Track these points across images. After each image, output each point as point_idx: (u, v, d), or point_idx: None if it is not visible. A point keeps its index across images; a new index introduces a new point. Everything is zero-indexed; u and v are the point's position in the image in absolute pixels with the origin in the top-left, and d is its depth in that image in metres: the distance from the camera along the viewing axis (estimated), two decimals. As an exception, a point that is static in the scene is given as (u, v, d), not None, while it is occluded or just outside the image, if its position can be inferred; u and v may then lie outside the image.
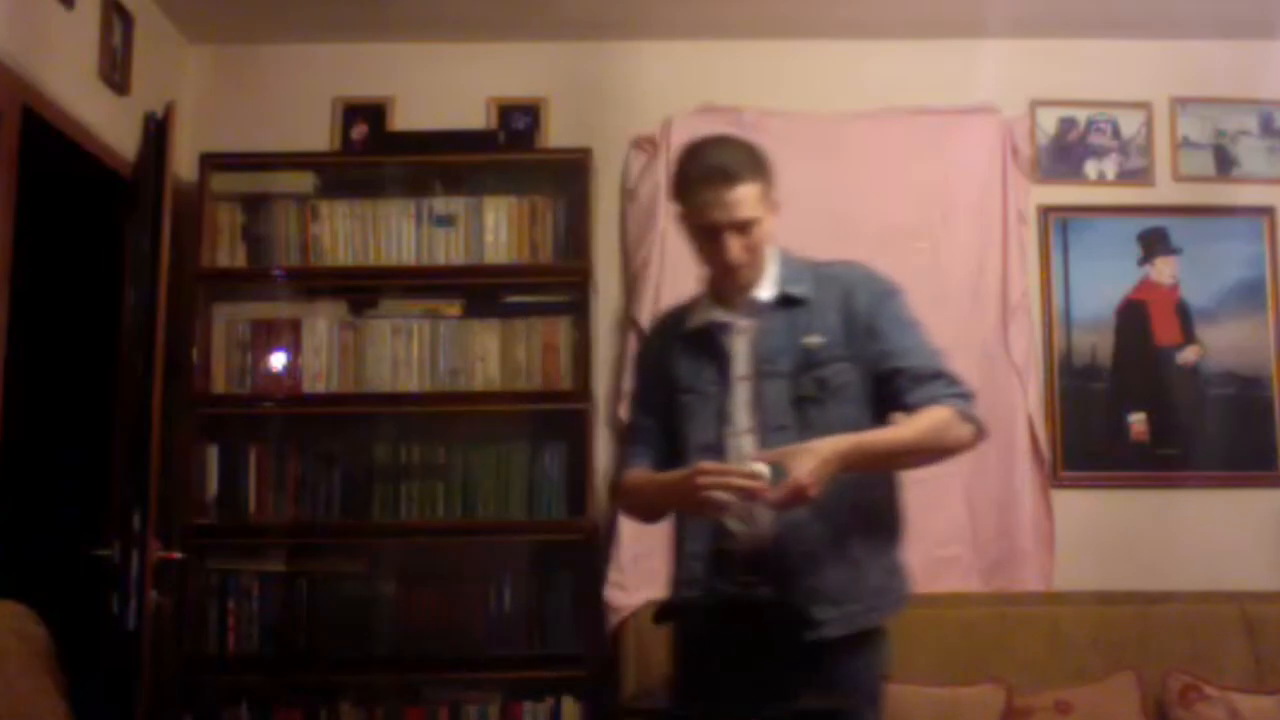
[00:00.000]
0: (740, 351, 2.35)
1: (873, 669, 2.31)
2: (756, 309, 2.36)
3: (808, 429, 2.24)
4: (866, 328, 2.31)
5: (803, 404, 2.28)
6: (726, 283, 2.37)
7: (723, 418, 2.33)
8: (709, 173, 2.27)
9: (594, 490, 3.98)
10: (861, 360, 2.31)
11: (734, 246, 2.29)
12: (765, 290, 2.36)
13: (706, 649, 2.28)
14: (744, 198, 2.27)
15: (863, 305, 2.33)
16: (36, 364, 3.24)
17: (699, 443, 2.33)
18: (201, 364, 3.99)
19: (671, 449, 2.40)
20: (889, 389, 2.30)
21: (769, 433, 2.27)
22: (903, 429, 2.26)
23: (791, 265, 2.40)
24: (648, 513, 2.50)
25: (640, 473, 2.46)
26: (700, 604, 2.30)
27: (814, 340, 2.31)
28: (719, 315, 2.40)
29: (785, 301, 2.35)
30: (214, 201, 4.08)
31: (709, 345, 2.39)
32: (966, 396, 2.30)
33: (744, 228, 2.28)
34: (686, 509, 2.32)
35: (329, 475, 4.00)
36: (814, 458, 2.11)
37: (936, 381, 2.29)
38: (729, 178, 2.26)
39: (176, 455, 3.86)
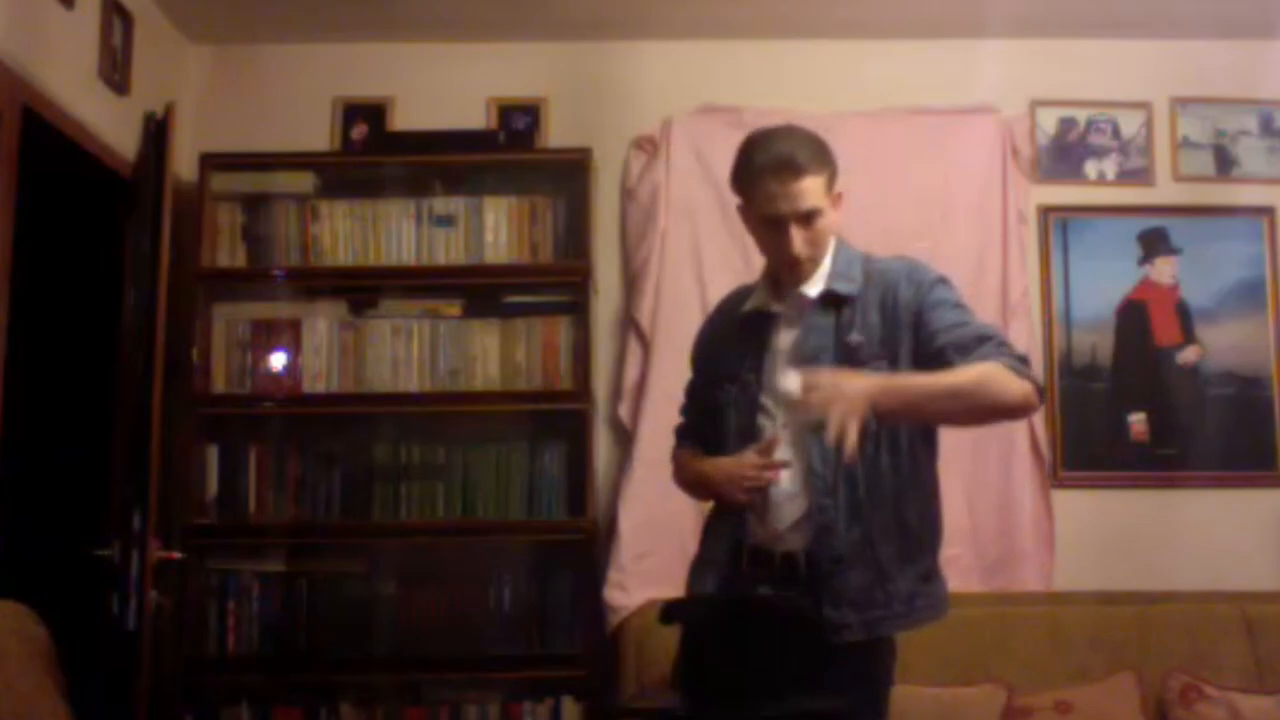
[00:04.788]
0: (784, 346, 2.33)
1: (878, 675, 2.27)
2: (803, 304, 2.33)
3: None
4: (912, 319, 2.26)
5: None
6: (788, 274, 2.34)
7: (758, 408, 2.31)
8: (775, 163, 2.23)
9: (594, 490, 3.99)
10: (904, 355, 2.26)
11: (798, 239, 2.26)
12: (813, 286, 2.33)
13: (710, 648, 2.27)
14: (809, 189, 2.24)
15: (906, 298, 2.28)
16: (36, 364, 3.23)
17: (734, 429, 2.33)
18: (201, 364, 3.99)
19: (711, 433, 2.40)
20: (940, 366, 2.22)
21: (808, 431, 2.23)
22: (943, 374, 2.18)
23: (845, 260, 2.36)
24: (696, 492, 2.52)
25: (685, 453, 2.50)
26: (705, 604, 2.30)
27: (854, 339, 2.27)
28: (769, 305, 2.38)
29: (831, 298, 2.32)
30: (214, 201, 4.08)
31: (755, 334, 2.37)
32: (1020, 359, 2.24)
33: (808, 219, 2.26)
34: (717, 499, 2.37)
35: (329, 475, 4.00)
36: (845, 402, 2.03)
37: (985, 345, 2.22)
38: (796, 169, 2.23)
39: (176, 455, 3.86)
